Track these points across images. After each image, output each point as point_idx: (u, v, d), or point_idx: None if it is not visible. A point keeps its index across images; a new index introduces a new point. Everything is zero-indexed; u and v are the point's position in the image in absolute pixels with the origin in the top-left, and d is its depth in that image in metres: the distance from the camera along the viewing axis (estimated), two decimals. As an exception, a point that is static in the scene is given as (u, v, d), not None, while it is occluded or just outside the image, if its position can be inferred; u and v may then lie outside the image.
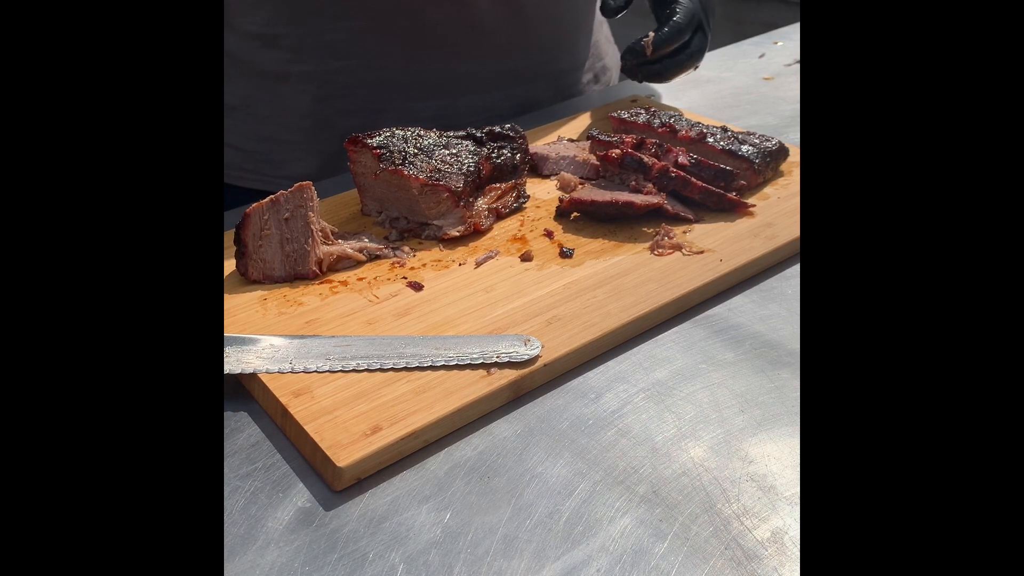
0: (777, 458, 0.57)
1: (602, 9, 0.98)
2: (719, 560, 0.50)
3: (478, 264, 0.76)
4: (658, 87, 1.20)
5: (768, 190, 0.88)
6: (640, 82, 1.04)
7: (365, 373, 0.62)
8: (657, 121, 0.94)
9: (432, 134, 0.86)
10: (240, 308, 0.71)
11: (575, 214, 0.84)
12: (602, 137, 0.91)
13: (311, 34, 0.98)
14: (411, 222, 0.82)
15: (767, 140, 0.91)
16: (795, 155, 0.95)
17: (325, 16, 0.97)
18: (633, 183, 0.84)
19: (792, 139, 1.03)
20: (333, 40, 0.98)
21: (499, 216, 0.84)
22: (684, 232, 0.80)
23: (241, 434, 0.60)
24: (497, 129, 0.88)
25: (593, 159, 0.91)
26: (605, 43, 1.23)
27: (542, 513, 0.53)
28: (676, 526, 0.52)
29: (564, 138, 0.99)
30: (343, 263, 0.76)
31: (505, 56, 1.05)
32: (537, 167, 0.93)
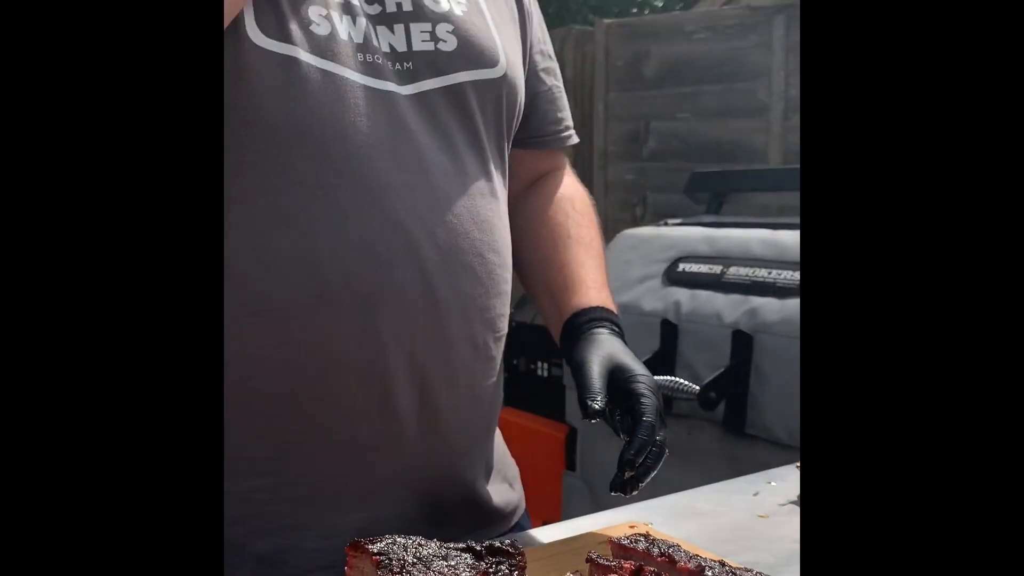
0: None
1: (583, 410, 0.97)
2: None
3: None
4: (655, 516, 1.22)
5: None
6: (630, 494, 1.02)
7: None
8: (656, 550, 0.94)
9: (433, 544, 0.86)
10: None
11: (570, 641, 0.81)
12: (601, 561, 0.91)
13: (235, 449, 0.90)
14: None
15: (765, 578, 0.90)
16: (794, 596, 0.93)
17: (249, 433, 0.92)
18: (631, 612, 0.83)
19: (791, 580, 1.02)
20: (256, 456, 0.93)
21: (492, 636, 0.81)
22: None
23: None
24: (497, 544, 0.89)
25: (591, 583, 0.90)
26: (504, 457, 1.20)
27: None
28: None
29: (562, 559, 0.98)
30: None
31: (420, 463, 1.01)
32: (534, 587, 0.92)
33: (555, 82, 1.19)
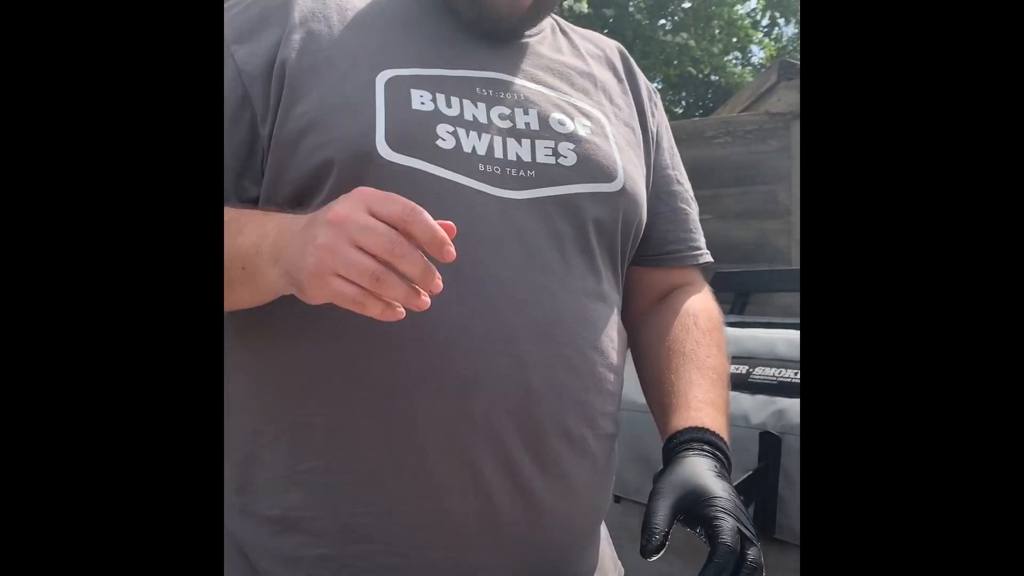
0: None
1: (642, 551, 0.95)
2: None
3: None
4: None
5: None
6: None
7: None
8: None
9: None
10: None
11: None
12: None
13: (337, 516, 0.97)
14: None
15: None
16: None
17: (351, 500, 0.97)
18: None
19: None
20: (357, 523, 0.98)
21: None
22: None
23: None
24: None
25: None
26: (610, 562, 1.21)
27: None
28: None
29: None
30: None
31: (520, 552, 1.02)
32: None
33: (680, 205, 1.24)
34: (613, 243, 1.09)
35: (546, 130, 1.04)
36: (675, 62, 14.41)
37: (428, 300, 0.77)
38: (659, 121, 1.24)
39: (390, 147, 0.94)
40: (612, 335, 1.07)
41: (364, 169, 0.93)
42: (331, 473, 0.95)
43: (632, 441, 3.33)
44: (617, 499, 3.29)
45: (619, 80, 1.19)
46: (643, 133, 1.20)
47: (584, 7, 9.59)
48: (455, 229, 0.77)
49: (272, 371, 1.01)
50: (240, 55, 0.97)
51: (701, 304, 1.22)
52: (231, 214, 0.91)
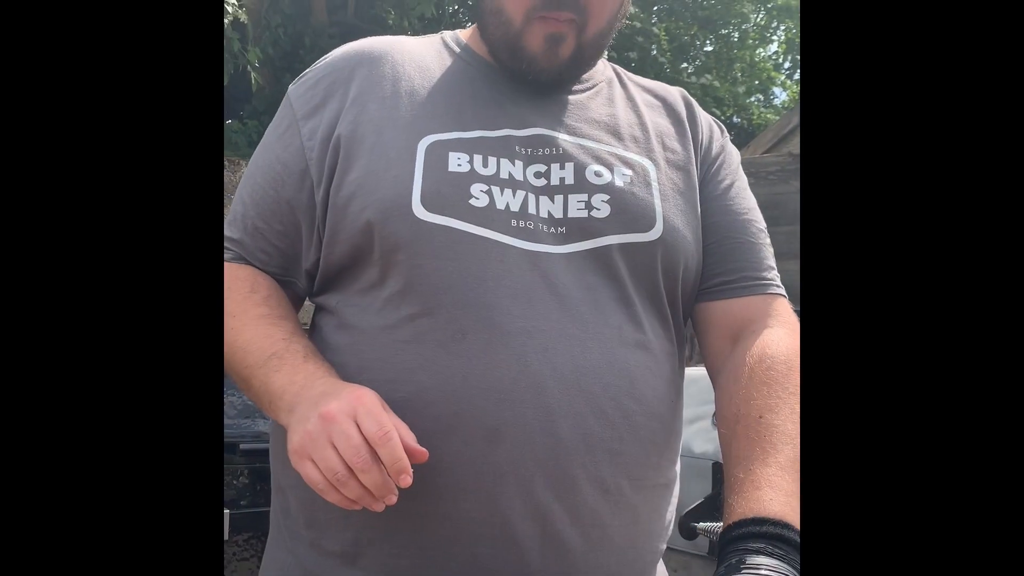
0: None
1: None
2: None
3: None
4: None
5: None
6: None
7: None
8: None
9: None
10: None
11: None
12: None
13: (380, 555, 1.00)
14: None
15: None
16: None
17: (386, 542, 1.00)
18: None
19: None
20: (396, 564, 1.00)
21: None
22: None
23: None
24: None
25: None
26: None
27: None
28: None
29: None
30: None
31: None
32: None
33: (747, 237, 1.18)
34: (656, 292, 1.08)
35: (581, 183, 1.06)
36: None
37: (383, 505, 0.87)
38: (724, 159, 1.22)
39: (424, 207, 0.99)
40: (655, 384, 1.05)
41: (401, 228, 0.98)
42: (373, 516, 0.95)
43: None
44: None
45: (678, 124, 1.19)
46: (703, 172, 1.18)
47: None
48: (426, 455, 0.88)
49: None
50: (305, 131, 1.06)
51: (777, 345, 1.07)
52: (278, 345, 0.99)
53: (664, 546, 1.12)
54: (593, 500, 1.00)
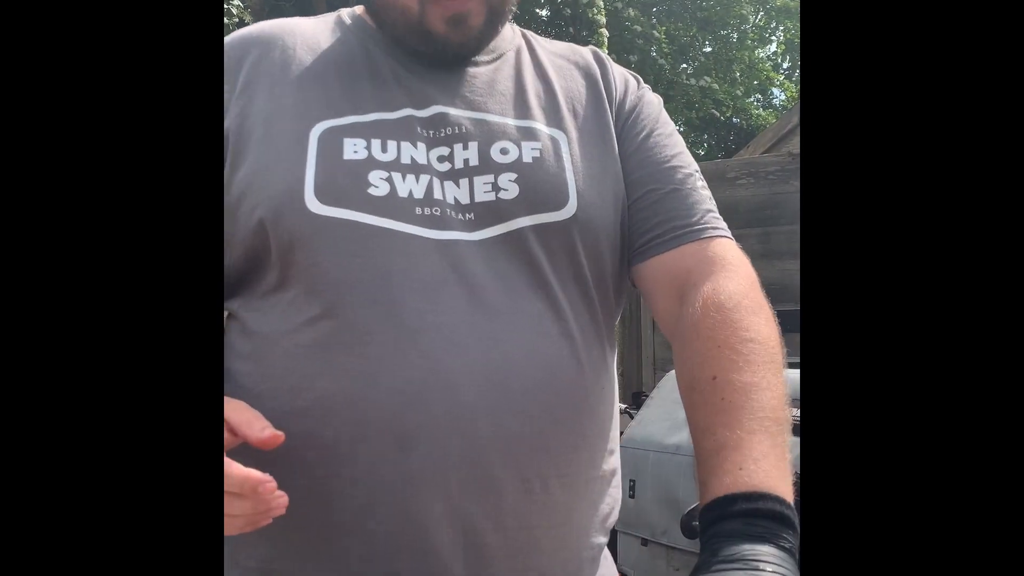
0: None
1: None
2: None
3: None
4: None
5: None
6: None
7: None
8: None
9: None
10: None
11: None
12: None
13: (296, 572, 0.95)
14: None
15: None
16: None
17: (307, 563, 0.95)
18: None
19: None
20: None
21: None
22: None
23: None
24: None
25: None
26: None
27: None
28: None
29: None
30: None
31: None
32: None
33: (667, 185, 1.06)
34: (579, 273, 1.00)
35: (486, 163, 0.99)
36: (697, 105, 14.48)
37: (282, 510, 0.82)
38: (640, 109, 1.12)
39: (319, 200, 0.93)
40: (581, 372, 0.97)
41: (295, 224, 0.92)
42: (288, 530, 0.90)
43: (659, 483, 3.30)
44: (644, 542, 3.25)
45: (592, 86, 1.10)
46: (619, 128, 1.09)
47: (605, 52, 9.69)
48: (281, 437, 0.83)
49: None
50: None
51: (719, 294, 0.97)
52: None
53: (605, 539, 1.05)
54: (517, 502, 0.94)
